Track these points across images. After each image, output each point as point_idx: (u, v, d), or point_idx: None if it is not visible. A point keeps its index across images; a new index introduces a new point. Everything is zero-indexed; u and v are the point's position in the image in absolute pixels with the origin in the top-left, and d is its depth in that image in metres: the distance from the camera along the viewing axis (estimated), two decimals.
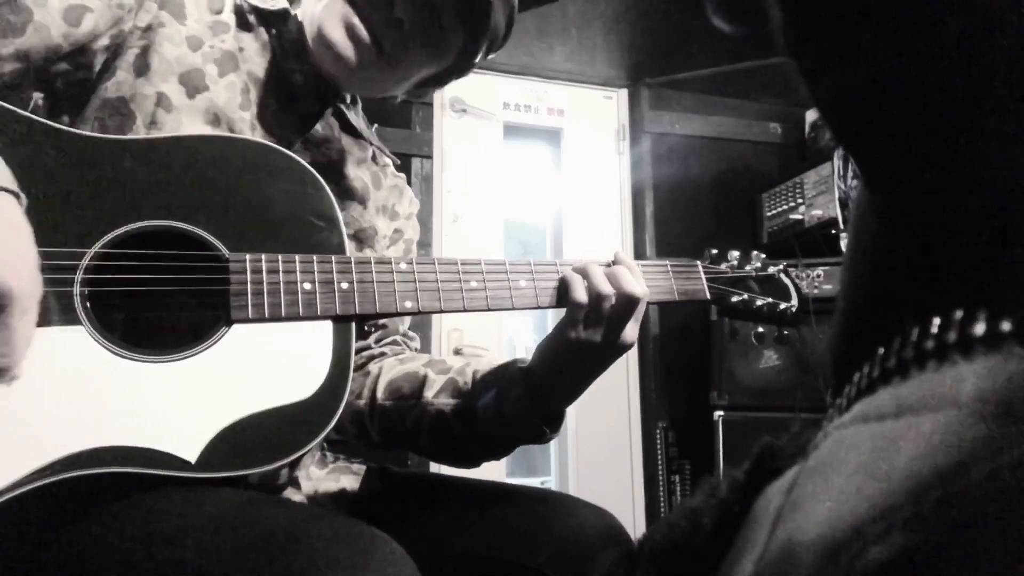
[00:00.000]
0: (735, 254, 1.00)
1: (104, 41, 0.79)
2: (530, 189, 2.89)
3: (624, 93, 2.91)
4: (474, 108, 2.71)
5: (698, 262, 0.96)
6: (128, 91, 0.80)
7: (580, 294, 0.82)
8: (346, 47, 0.86)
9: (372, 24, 0.86)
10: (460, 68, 0.97)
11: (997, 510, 0.20)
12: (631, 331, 0.83)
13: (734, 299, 0.97)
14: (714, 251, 1.00)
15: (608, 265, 0.86)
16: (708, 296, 0.95)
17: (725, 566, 0.27)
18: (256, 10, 0.91)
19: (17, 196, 0.64)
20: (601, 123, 2.90)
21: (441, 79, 0.99)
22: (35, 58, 0.74)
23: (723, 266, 0.99)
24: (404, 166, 2.47)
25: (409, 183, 2.73)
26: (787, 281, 1.01)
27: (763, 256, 1.02)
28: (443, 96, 2.67)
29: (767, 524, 0.25)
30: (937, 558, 0.20)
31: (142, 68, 0.81)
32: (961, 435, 0.21)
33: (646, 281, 0.87)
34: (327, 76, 0.92)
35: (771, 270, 1.01)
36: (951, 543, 0.20)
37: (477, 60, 0.96)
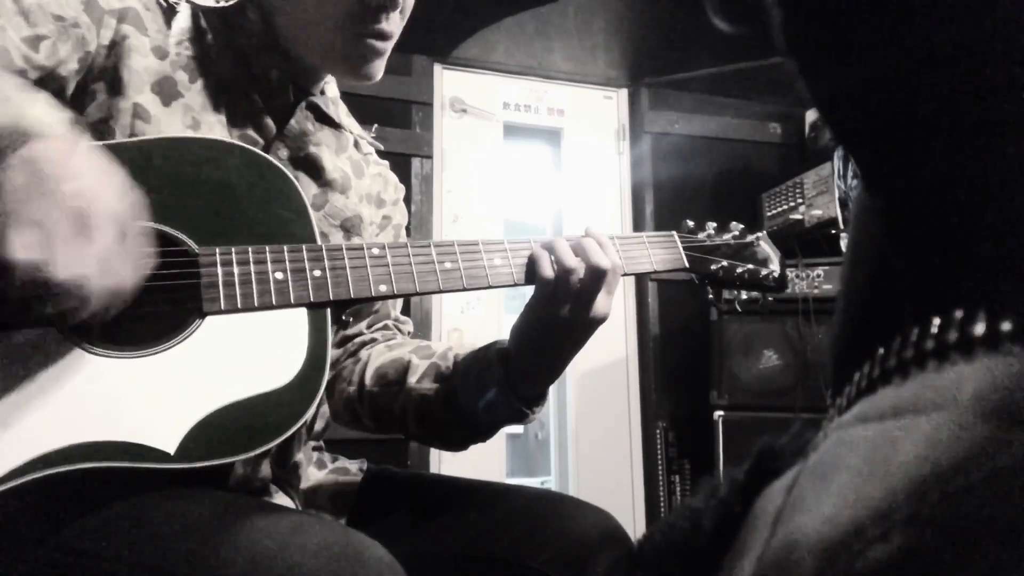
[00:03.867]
0: (712, 224, 1.00)
1: (72, 66, 0.78)
2: (530, 189, 2.89)
3: (624, 93, 2.91)
4: (474, 108, 2.71)
5: (674, 232, 0.96)
6: (106, 111, 0.79)
7: (546, 270, 0.82)
8: (375, 66, 0.89)
9: (387, 29, 0.87)
10: None
11: (997, 510, 0.20)
12: (603, 304, 0.83)
13: (713, 267, 0.96)
14: (691, 223, 1.00)
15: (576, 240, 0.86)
16: (686, 264, 0.94)
17: (725, 566, 0.27)
18: (211, 11, 0.90)
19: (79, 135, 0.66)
20: (601, 123, 2.90)
21: None
22: None
23: (701, 235, 0.98)
24: (404, 166, 2.48)
25: (409, 183, 2.73)
26: (767, 248, 1.01)
27: (741, 226, 1.02)
28: (443, 96, 2.67)
29: (767, 524, 0.25)
30: (937, 558, 0.20)
31: (115, 86, 0.80)
32: (961, 435, 0.21)
33: (621, 253, 0.87)
34: (306, 63, 0.92)
35: (750, 237, 1.00)
36: (951, 543, 0.20)
37: None
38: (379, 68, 0.91)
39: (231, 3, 0.90)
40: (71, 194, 0.59)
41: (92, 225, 0.60)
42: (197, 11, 0.89)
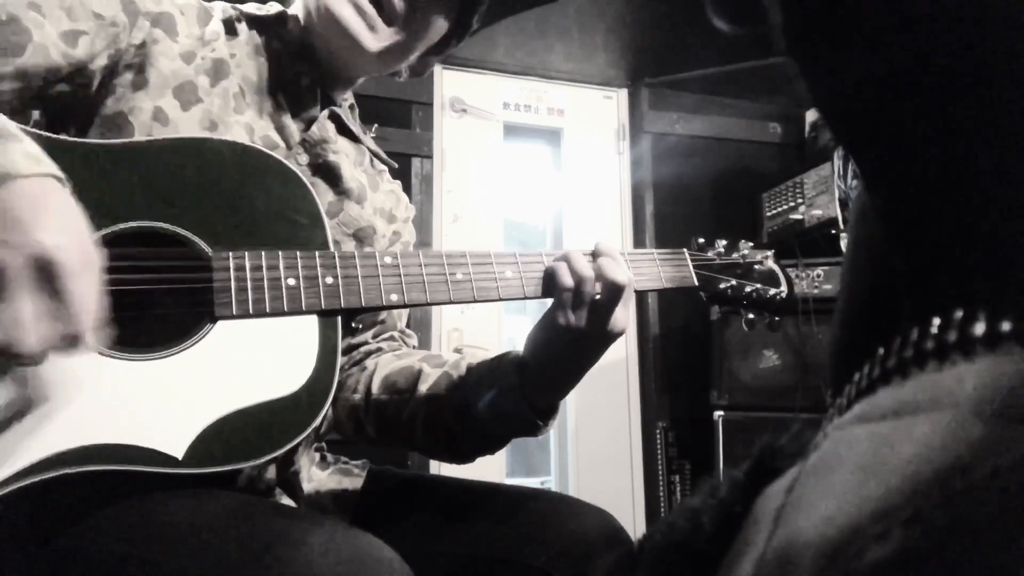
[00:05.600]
0: (722, 243, 1.00)
1: (102, 61, 0.79)
2: (530, 189, 2.88)
3: (624, 93, 2.91)
4: (474, 108, 2.70)
5: (684, 250, 0.96)
6: (126, 105, 0.80)
7: (565, 278, 0.82)
8: (359, 26, 0.88)
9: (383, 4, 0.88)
10: (462, 23, 0.98)
11: (997, 510, 0.20)
12: (621, 318, 0.83)
13: (722, 285, 0.96)
14: (701, 240, 1.00)
15: (591, 255, 0.86)
16: (696, 282, 0.94)
17: (725, 566, 0.27)
18: (247, 16, 0.92)
19: (61, 181, 0.63)
20: (601, 123, 2.89)
21: (441, 47, 0.99)
22: (34, 77, 0.74)
23: (710, 254, 0.99)
24: (404, 166, 2.48)
25: (409, 183, 2.73)
26: (776, 268, 1.01)
27: (751, 244, 1.02)
28: (443, 96, 2.67)
29: (767, 524, 0.25)
30: (937, 558, 0.20)
31: (139, 83, 0.81)
32: (961, 435, 0.21)
33: (632, 269, 0.87)
34: (337, 67, 0.93)
35: (759, 257, 1.01)
36: (951, 543, 0.20)
37: (476, 16, 0.97)
38: (372, 40, 0.89)
39: (272, 12, 0.92)
40: (35, 244, 0.56)
41: (54, 277, 0.57)
42: (232, 17, 0.91)
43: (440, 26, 0.94)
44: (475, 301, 0.83)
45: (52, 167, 0.62)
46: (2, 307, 0.55)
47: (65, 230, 0.59)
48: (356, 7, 0.88)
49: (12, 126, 0.63)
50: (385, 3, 0.88)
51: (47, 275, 0.57)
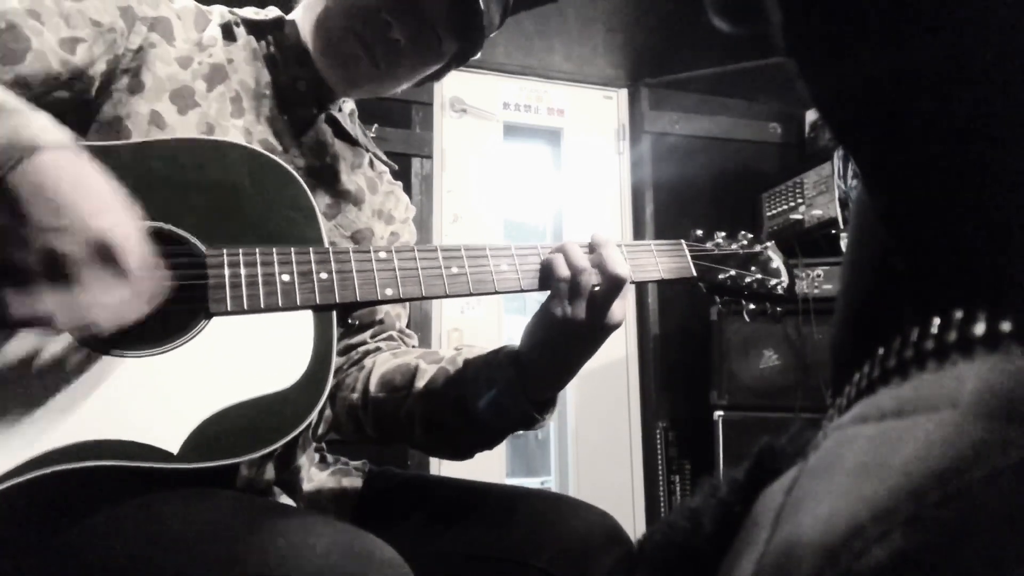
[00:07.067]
0: (721, 234, 0.99)
1: (101, 67, 0.80)
2: (530, 189, 2.88)
3: (624, 93, 2.91)
4: (474, 108, 2.70)
5: (682, 241, 0.95)
6: (123, 109, 0.80)
7: (562, 269, 0.82)
8: (345, 69, 0.91)
9: (370, 46, 0.89)
10: (457, 64, 1.00)
11: (997, 510, 0.20)
12: (618, 310, 0.83)
13: (721, 276, 0.95)
14: (699, 232, 0.99)
15: (588, 246, 0.86)
16: (694, 273, 0.93)
17: (725, 566, 0.27)
18: (245, 21, 0.92)
19: (78, 149, 0.65)
20: (601, 123, 2.89)
21: (438, 75, 1.02)
22: (33, 85, 0.74)
23: (708, 244, 0.97)
24: (404, 166, 2.48)
25: (409, 183, 2.73)
26: (776, 258, 0.99)
27: (750, 235, 1.00)
28: (443, 96, 2.67)
29: (767, 524, 0.25)
30: (937, 558, 0.20)
31: (135, 87, 0.82)
32: (961, 435, 0.21)
33: (630, 261, 0.87)
34: (328, 82, 0.93)
35: (758, 247, 0.99)
36: (951, 543, 0.20)
37: (474, 55, 0.99)
38: (354, 77, 0.92)
39: (270, 17, 0.93)
40: (92, 229, 0.60)
41: (116, 256, 0.61)
42: (231, 21, 0.91)
43: (420, 75, 0.97)
44: (471, 295, 0.83)
45: (70, 137, 0.65)
46: (76, 292, 0.60)
47: (110, 207, 0.63)
48: (348, 54, 0.89)
49: (23, 102, 0.65)
50: (377, 53, 0.89)
51: (108, 256, 0.61)
